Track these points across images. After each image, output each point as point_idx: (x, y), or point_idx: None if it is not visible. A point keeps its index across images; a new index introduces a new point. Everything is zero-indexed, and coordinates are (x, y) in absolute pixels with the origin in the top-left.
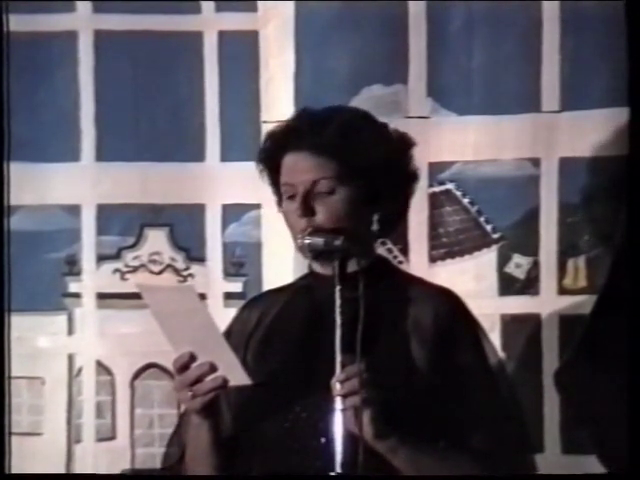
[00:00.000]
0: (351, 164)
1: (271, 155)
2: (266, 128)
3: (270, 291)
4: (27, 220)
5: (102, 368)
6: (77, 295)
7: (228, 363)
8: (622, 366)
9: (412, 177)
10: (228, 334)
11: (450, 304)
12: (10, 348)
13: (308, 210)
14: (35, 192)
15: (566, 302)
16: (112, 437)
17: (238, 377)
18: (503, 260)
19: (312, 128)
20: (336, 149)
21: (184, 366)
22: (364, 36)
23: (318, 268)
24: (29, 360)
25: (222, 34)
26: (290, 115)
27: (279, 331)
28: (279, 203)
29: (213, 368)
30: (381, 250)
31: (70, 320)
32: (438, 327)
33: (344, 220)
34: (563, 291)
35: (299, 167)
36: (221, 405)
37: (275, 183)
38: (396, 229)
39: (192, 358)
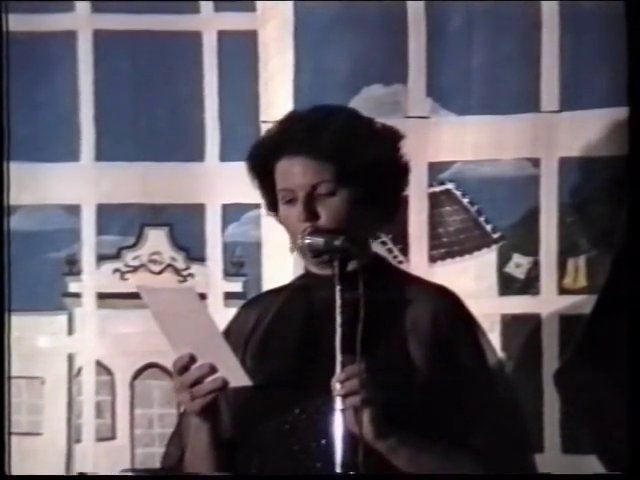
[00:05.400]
0: (349, 165)
1: (264, 161)
2: (265, 128)
3: (267, 292)
4: (27, 220)
5: (102, 368)
6: (77, 295)
7: (228, 364)
8: (622, 366)
9: (405, 171)
10: (226, 335)
11: (449, 303)
12: (10, 348)
13: (311, 214)
14: (35, 192)
15: (566, 302)
16: (112, 437)
17: (238, 378)
18: (503, 260)
19: (307, 132)
20: (333, 152)
21: (184, 367)
22: (364, 36)
23: (314, 268)
24: (29, 360)
25: (221, 34)
26: (280, 119)
27: (277, 332)
28: (269, 207)
29: (213, 369)
30: (381, 250)
31: (70, 320)
32: (437, 326)
33: (346, 221)
34: (563, 291)
35: (296, 172)
36: (221, 406)
37: (266, 188)
38: (394, 225)
39: (192, 359)
